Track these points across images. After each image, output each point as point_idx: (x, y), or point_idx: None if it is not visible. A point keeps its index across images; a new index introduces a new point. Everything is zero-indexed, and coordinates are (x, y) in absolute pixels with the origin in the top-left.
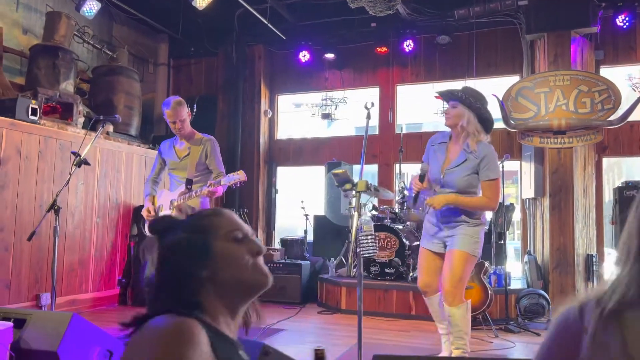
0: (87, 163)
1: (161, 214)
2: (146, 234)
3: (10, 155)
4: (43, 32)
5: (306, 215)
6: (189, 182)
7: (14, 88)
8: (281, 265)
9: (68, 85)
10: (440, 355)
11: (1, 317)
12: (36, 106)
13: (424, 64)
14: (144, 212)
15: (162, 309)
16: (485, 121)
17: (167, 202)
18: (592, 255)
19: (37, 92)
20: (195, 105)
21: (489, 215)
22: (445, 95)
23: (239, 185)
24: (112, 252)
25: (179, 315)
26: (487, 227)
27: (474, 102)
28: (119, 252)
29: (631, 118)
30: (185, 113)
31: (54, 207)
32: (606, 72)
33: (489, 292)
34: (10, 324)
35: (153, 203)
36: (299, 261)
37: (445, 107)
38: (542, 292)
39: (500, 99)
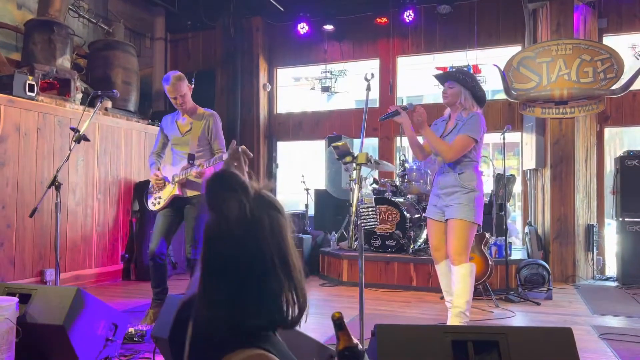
0: (86, 139)
1: (165, 188)
2: (148, 208)
3: (9, 132)
4: (37, 6)
5: (307, 190)
6: (192, 157)
7: (10, 64)
8: None
9: (65, 61)
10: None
11: (6, 292)
12: (33, 82)
13: (425, 34)
14: (152, 178)
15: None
16: (479, 98)
17: (170, 176)
18: (593, 225)
19: (33, 68)
20: (193, 80)
21: (488, 187)
22: (443, 78)
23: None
24: (115, 228)
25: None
26: (482, 195)
27: (470, 81)
28: (121, 228)
29: (634, 87)
30: (186, 87)
31: (55, 184)
32: (609, 40)
33: (490, 262)
34: (15, 299)
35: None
36: (301, 235)
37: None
38: (543, 262)
39: (502, 69)
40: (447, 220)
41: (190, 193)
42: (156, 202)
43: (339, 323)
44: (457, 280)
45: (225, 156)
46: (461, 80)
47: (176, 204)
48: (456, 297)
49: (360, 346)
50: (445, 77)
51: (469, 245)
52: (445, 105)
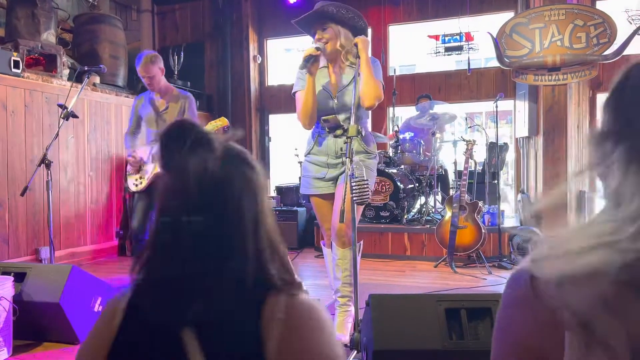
0: (74, 116)
1: (144, 168)
2: (130, 190)
3: None
4: None
5: (300, 163)
6: None
7: None
8: (277, 212)
9: (49, 36)
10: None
11: (1, 271)
12: (18, 59)
13: (417, 1)
14: (129, 160)
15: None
16: (362, 30)
17: (148, 155)
18: (584, 191)
19: (18, 44)
20: (182, 54)
21: (481, 155)
22: (309, 20)
23: (223, 131)
24: (108, 205)
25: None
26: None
27: (345, 12)
28: (114, 204)
29: (626, 52)
30: (157, 69)
31: (45, 162)
32: (603, 5)
33: (483, 230)
34: (10, 277)
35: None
36: (295, 208)
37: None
38: (535, 229)
39: (494, 36)
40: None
41: None
42: (138, 182)
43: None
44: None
45: (207, 128)
46: (335, 16)
47: (155, 183)
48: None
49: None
50: (313, 16)
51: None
52: (325, 57)
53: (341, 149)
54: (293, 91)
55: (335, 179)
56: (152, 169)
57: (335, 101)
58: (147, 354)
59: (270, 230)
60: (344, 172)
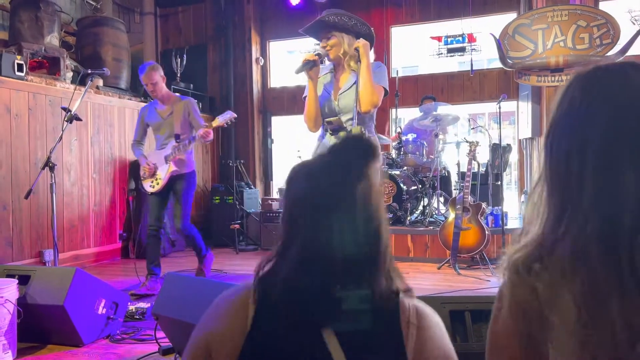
0: (78, 118)
1: (158, 171)
2: (148, 192)
3: (0, 113)
4: None
5: None
6: (177, 137)
7: None
8: (279, 214)
9: (53, 39)
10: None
11: (5, 274)
12: (22, 62)
13: (419, 3)
14: (145, 168)
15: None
16: (366, 36)
17: (161, 158)
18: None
19: (21, 47)
20: (185, 56)
21: (484, 157)
22: (314, 28)
23: (230, 122)
24: (112, 207)
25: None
26: None
27: (347, 20)
28: (118, 206)
29: (630, 52)
30: (158, 77)
31: (49, 164)
32: (606, 5)
33: (486, 232)
34: (15, 280)
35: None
36: None
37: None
38: None
39: (497, 37)
40: None
41: (182, 170)
42: (154, 184)
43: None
44: None
45: (219, 119)
46: (337, 24)
47: (168, 182)
48: None
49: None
50: (317, 25)
51: None
52: (332, 62)
53: None
54: (303, 96)
55: None
56: (167, 169)
57: (337, 103)
58: (284, 348)
59: (388, 239)
60: None
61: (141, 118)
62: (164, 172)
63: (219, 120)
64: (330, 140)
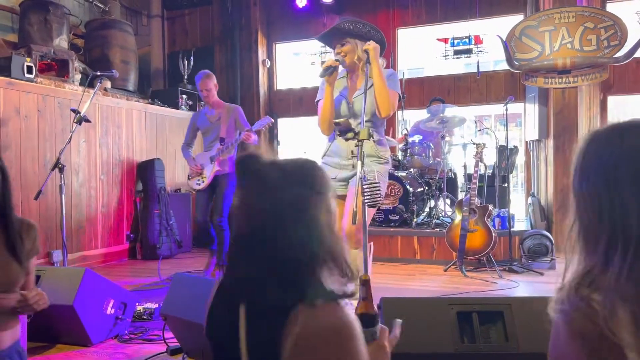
0: (87, 120)
1: (204, 170)
2: (194, 189)
3: (10, 115)
4: None
5: None
6: (222, 140)
7: (7, 46)
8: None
9: (62, 41)
10: None
11: None
12: (31, 64)
13: (425, 4)
14: (193, 168)
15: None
16: (379, 42)
17: (207, 159)
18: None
19: (30, 50)
20: (192, 58)
21: (491, 159)
22: (329, 35)
23: (267, 126)
24: (119, 209)
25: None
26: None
27: (361, 27)
28: (125, 208)
29: (637, 54)
30: (212, 84)
31: (58, 166)
32: (613, 7)
33: (493, 234)
34: None
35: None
36: None
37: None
38: (546, 232)
39: (504, 39)
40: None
41: (225, 169)
42: (200, 182)
43: (365, 282)
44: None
45: (257, 124)
46: (352, 31)
47: (212, 181)
48: None
49: (377, 314)
50: (331, 33)
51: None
52: (347, 68)
53: (352, 152)
54: (316, 100)
55: (346, 180)
56: (212, 168)
57: (351, 106)
58: (215, 318)
59: (320, 247)
60: (355, 174)
61: (192, 123)
62: (209, 171)
63: (257, 126)
64: (347, 145)
